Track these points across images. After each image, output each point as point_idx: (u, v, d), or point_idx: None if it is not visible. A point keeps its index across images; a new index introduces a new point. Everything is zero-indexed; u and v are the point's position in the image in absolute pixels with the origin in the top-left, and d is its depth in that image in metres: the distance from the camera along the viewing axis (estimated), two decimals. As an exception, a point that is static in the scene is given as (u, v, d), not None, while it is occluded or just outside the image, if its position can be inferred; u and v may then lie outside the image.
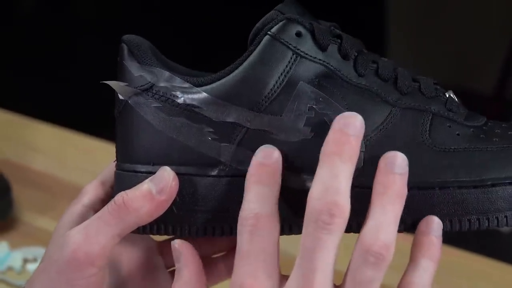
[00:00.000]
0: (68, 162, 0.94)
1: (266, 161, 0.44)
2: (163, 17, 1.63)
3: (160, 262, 0.54)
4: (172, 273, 0.55)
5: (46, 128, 1.01)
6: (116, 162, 0.50)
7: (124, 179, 0.48)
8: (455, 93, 0.49)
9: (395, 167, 0.42)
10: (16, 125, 1.02)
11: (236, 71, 0.47)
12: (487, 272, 0.79)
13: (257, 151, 0.44)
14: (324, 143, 0.42)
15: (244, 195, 0.44)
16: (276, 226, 0.43)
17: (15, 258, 0.78)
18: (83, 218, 0.49)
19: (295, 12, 0.48)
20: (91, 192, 0.51)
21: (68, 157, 0.96)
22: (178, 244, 0.46)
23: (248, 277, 0.42)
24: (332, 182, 0.41)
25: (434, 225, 0.44)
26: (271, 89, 0.46)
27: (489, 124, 0.48)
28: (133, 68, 0.48)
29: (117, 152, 0.49)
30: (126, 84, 0.48)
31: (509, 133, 0.47)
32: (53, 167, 0.93)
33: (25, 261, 0.78)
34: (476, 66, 1.79)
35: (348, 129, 0.42)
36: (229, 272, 0.55)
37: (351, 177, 0.42)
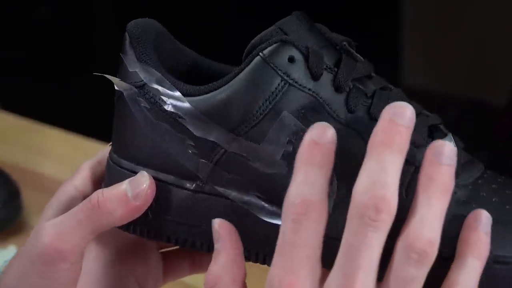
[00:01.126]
0: (77, 167, 0.94)
1: (321, 140, 0.39)
2: (180, 26, 1.63)
3: (152, 243, 0.53)
4: (164, 254, 0.55)
5: (56, 133, 1.01)
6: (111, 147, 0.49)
7: (111, 169, 0.48)
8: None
9: (442, 158, 0.39)
10: (25, 130, 1.02)
11: (223, 88, 0.44)
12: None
13: (311, 127, 0.40)
14: (372, 134, 0.39)
15: (292, 177, 0.39)
16: (324, 216, 0.39)
17: (23, 263, 0.78)
18: (71, 201, 0.49)
19: (299, 28, 0.44)
20: (85, 170, 0.51)
21: (77, 162, 0.94)
22: (218, 225, 0.44)
23: (288, 274, 0.39)
24: (379, 175, 0.38)
25: (483, 219, 0.41)
26: (253, 115, 0.43)
27: (479, 182, 0.43)
28: (130, 63, 0.46)
29: (112, 140, 0.49)
30: (120, 78, 0.46)
31: (494, 199, 0.43)
32: (62, 172, 0.93)
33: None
34: (489, 78, 1.78)
35: (398, 119, 0.39)
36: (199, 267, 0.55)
37: (400, 171, 0.39)
